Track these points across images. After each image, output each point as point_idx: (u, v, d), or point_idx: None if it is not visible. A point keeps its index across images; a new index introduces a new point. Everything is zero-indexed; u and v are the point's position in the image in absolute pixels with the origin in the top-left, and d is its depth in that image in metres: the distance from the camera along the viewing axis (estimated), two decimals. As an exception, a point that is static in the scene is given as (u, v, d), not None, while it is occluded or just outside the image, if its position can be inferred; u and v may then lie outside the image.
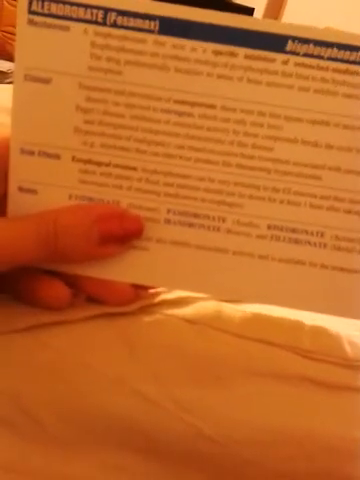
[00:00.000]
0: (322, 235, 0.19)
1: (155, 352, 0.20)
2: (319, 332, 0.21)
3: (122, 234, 0.19)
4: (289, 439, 0.19)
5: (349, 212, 0.19)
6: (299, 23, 0.18)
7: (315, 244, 0.20)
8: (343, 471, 0.19)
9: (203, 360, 0.20)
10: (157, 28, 0.18)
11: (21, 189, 0.20)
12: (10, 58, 1.38)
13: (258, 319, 0.21)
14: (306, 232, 0.19)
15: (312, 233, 0.19)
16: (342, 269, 0.20)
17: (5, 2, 1.92)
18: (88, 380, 0.19)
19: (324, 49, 0.18)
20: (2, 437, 0.19)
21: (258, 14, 2.20)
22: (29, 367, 0.19)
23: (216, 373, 0.20)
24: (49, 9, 0.18)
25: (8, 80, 1.26)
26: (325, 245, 0.19)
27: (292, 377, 0.20)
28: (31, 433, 0.19)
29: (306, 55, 0.18)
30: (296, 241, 0.20)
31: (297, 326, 0.21)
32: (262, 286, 0.20)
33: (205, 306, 0.22)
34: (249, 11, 2.00)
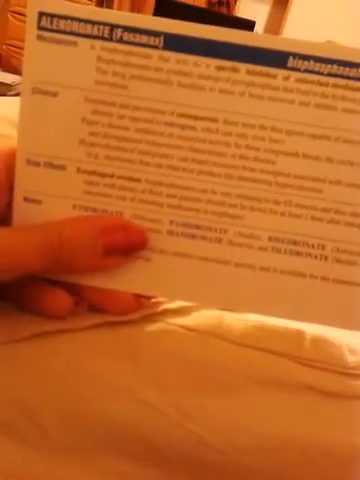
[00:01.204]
0: (323, 247, 0.20)
1: (157, 360, 0.20)
2: (320, 340, 0.21)
3: (126, 246, 0.19)
4: (291, 446, 0.19)
5: (350, 225, 0.19)
6: (300, 38, 0.19)
7: (316, 256, 0.20)
8: (345, 478, 0.19)
9: (205, 368, 0.20)
10: (161, 44, 0.18)
11: (26, 199, 0.20)
12: (15, 71, 1.40)
13: (259, 328, 0.21)
14: (307, 244, 0.20)
15: (313, 245, 0.20)
16: (343, 281, 0.20)
17: (10, 16, 1.95)
18: (91, 387, 0.19)
19: (324, 65, 0.18)
20: (4, 443, 0.19)
21: (259, 28, 2.23)
22: (33, 375, 0.19)
23: (218, 381, 0.20)
24: (58, 25, 0.18)
25: (12, 92, 1.27)
26: (326, 257, 0.20)
27: (293, 385, 0.20)
28: (34, 439, 0.19)
29: (306, 71, 0.18)
30: (297, 253, 0.20)
31: (298, 335, 0.21)
32: (263, 298, 0.20)
33: (207, 315, 0.22)
34: (250, 24, 2.02)
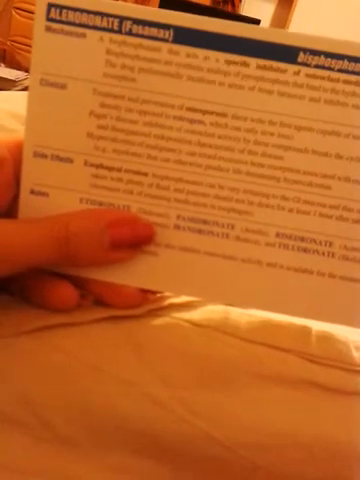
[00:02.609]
0: (330, 244, 0.20)
1: (163, 355, 0.20)
2: (326, 337, 0.21)
3: (133, 240, 0.19)
4: (297, 444, 0.19)
5: (358, 222, 0.19)
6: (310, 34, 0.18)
7: (323, 253, 0.20)
8: (351, 476, 0.19)
9: (211, 363, 0.20)
10: (171, 37, 0.18)
11: (33, 192, 0.20)
12: (19, 67, 1.40)
13: (265, 323, 0.21)
14: (314, 241, 0.20)
15: (320, 242, 0.20)
16: (350, 279, 0.20)
17: (14, 12, 1.96)
18: (96, 382, 0.19)
19: (335, 61, 0.18)
20: (11, 438, 0.19)
21: (264, 25, 2.22)
22: (38, 368, 0.19)
23: (224, 377, 0.20)
24: (67, 17, 0.18)
25: (16, 88, 1.27)
26: (333, 254, 0.20)
27: (299, 382, 0.20)
28: (39, 433, 0.19)
29: (317, 66, 0.18)
30: (304, 250, 0.20)
31: (304, 331, 0.21)
32: (269, 294, 0.20)
33: (213, 310, 0.22)
34: (255, 23, 2.01)
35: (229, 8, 2.22)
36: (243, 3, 2.26)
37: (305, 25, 2.15)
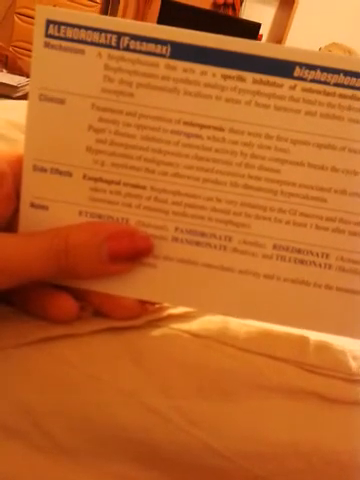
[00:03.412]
0: (327, 256, 0.20)
1: (162, 365, 0.20)
2: (324, 347, 0.21)
3: (132, 252, 0.19)
4: (297, 454, 0.19)
5: (354, 234, 0.19)
6: (306, 47, 0.19)
7: (320, 265, 0.20)
8: None
9: (210, 374, 0.20)
10: (168, 52, 0.19)
11: (33, 205, 0.20)
12: (21, 72, 1.41)
13: (264, 334, 0.21)
14: (311, 253, 0.20)
15: (317, 254, 0.20)
16: (347, 290, 0.20)
17: (16, 18, 1.97)
18: (96, 392, 0.19)
19: (331, 75, 0.18)
20: (12, 448, 0.19)
21: (264, 30, 2.23)
22: (38, 379, 0.20)
23: (222, 387, 0.20)
24: (65, 33, 0.19)
25: (18, 94, 1.28)
26: (330, 266, 0.20)
27: (298, 392, 0.20)
28: (40, 444, 0.19)
29: (313, 81, 0.18)
30: (301, 261, 0.20)
31: (302, 340, 0.21)
32: (267, 305, 0.20)
33: (211, 320, 0.22)
34: (256, 26, 2.02)
35: (230, 12, 2.23)
36: (244, 7, 2.26)
37: (305, 29, 2.15)
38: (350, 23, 2.15)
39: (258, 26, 2.02)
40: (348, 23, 2.15)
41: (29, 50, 1.80)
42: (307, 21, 2.18)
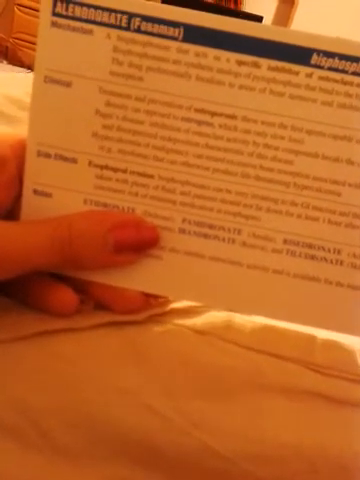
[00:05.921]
0: (339, 252, 0.19)
1: (163, 363, 0.19)
2: (331, 346, 0.21)
3: (137, 243, 0.19)
4: (300, 455, 0.19)
5: None
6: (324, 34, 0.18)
7: (331, 261, 0.19)
8: None
9: (212, 373, 0.19)
10: (181, 35, 0.18)
11: (36, 192, 0.19)
12: (21, 64, 1.39)
13: (269, 331, 0.21)
14: (323, 248, 0.19)
15: (329, 250, 0.19)
16: (358, 287, 0.19)
17: (16, 9, 1.94)
18: (96, 391, 0.19)
19: (349, 63, 0.18)
20: (6, 447, 0.18)
21: (267, 22, 2.21)
22: (36, 375, 0.19)
23: (225, 387, 0.19)
24: (73, 12, 0.18)
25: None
26: (342, 262, 0.19)
27: (303, 392, 0.19)
28: (36, 443, 0.19)
29: (330, 69, 0.18)
30: (312, 257, 0.19)
31: (309, 339, 0.21)
32: (275, 301, 0.20)
33: (215, 316, 0.21)
34: (258, 19, 2.00)
35: (232, 5, 2.20)
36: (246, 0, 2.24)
37: (307, 22, 2.13)
38: (352, 18, 2.14)
39: (260, 19, 2.00)
40: (350, 18, 2.14)
41: (29, 42, 1.79)
42: (309, 14, 2.17)
